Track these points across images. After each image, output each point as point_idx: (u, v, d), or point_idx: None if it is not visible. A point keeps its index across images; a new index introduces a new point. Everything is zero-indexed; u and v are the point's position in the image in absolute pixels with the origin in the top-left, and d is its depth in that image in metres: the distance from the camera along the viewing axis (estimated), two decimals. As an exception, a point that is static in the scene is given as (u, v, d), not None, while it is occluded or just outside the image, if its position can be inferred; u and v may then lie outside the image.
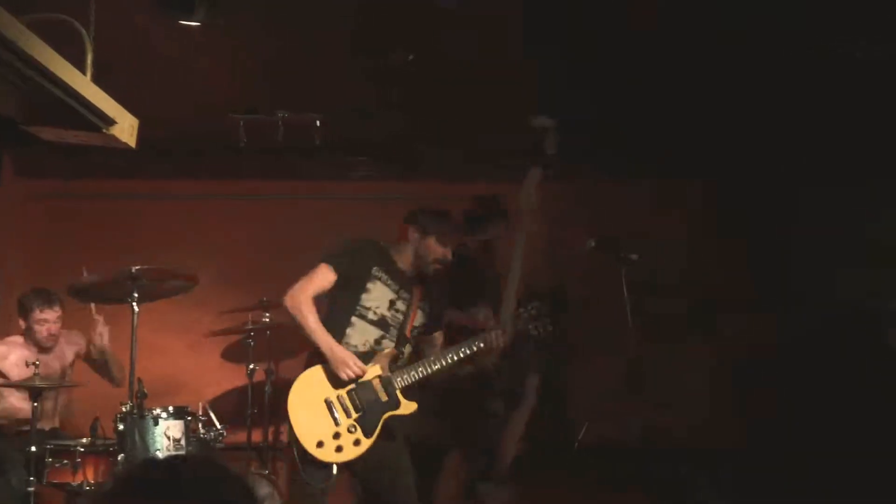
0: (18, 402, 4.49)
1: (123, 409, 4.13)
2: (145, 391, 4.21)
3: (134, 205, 6.13)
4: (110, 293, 4.44)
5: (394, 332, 3.49)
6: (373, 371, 3.43)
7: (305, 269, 4.74)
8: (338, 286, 3.43)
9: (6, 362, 4.55)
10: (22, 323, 4.64)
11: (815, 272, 5.43)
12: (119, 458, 4.05)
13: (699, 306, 5.88)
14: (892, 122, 4.70)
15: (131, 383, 4.19)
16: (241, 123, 4.97)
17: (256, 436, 5.27)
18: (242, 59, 4.25)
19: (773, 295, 5.60)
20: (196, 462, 1.32)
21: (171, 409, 4.16)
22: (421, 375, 3.47)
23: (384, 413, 3.39)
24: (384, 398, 3.40)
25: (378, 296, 3.46)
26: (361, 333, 3.44)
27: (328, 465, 3.31)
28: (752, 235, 5.78)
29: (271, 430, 5.57)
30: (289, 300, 3.39)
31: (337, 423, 3.33)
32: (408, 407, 3.44)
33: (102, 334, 4.68)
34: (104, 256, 5.18)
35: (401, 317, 3.51)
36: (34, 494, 3.83)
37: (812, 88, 4.53)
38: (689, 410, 5.35)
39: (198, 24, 3.53)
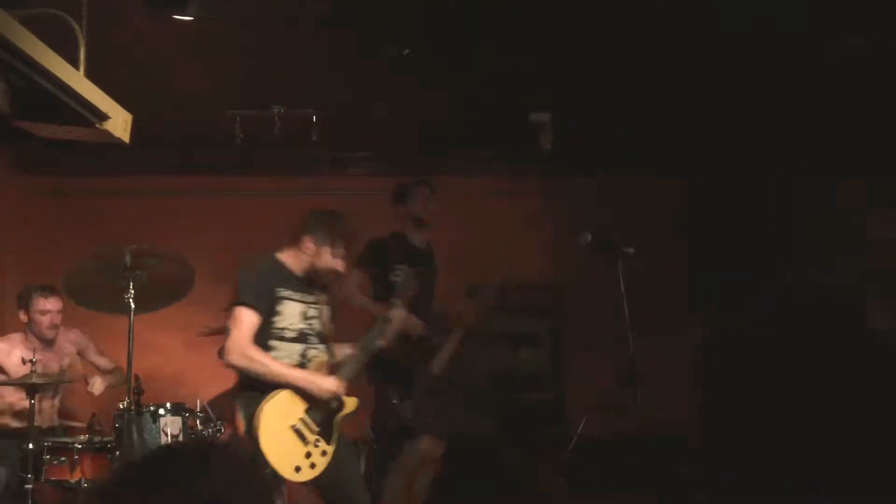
0: (16, 400, 4.48)
1: (121, 406, 4.13)
2: (143, 387, 4.21)
3: (130, 201, 6.11)
4: (106, 289, 4.41)
5: (314, 339, 3.56)
6: None
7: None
8: None
9: (10, 359, 4.54)
10: (23, 316, 4.64)
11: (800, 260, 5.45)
12: (116, 454, 4.05)
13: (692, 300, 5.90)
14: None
15: (129, 380, 4.18)
16: (238, 119, 4.96)
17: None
18: (237, 53, 4.24)
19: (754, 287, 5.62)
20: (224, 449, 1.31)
21: (168, 405, 4.17)
22: (354, 372, 3.59)
23: (336, 416, 3.50)
24: (334, 404, 3.50)
25: (290, 313, 3.48)
26: (285, 353, 3.46)
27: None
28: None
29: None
30: (234, 357, 3.33)
31: (306, 444, 3.41)
32: (352, 403, 3.58)
33: (95, 384, 4.71)
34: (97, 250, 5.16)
35: (316, 323, 3.57)
36: (32, 492, 3.82)
37: (792, 82, 4.53)
38: (684, 405, 5.35)
39: (191, 18, 3.52)
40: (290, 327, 3.49)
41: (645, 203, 6.10)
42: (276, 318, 3.45)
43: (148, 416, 4.11)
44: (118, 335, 4.59)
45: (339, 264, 3.56)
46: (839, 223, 5.18)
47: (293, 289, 3.51)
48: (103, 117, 2.43)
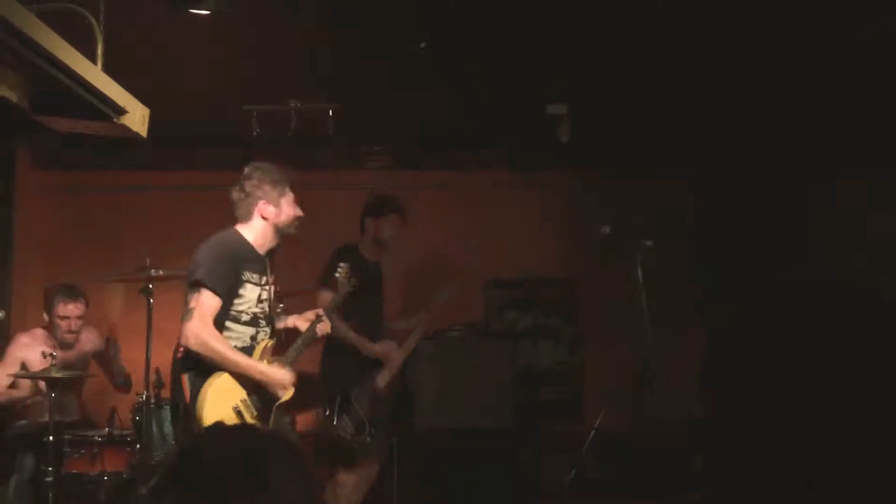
0: (38, 394, 4.51)
1: (140, 400, 4.16)
2: (162, 381, 4.24)
3: (147, 196, 6.14)
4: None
5: (264, 322, 3.53)
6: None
7: (321, 258, 4.76)
8: None
9: (31, 353, 4.58)
10: (45, 316, 4.68)
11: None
12: (136, 447, 4.08)
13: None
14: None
15: (147, 374, 4.21)
16: (255, 114, 4.96)
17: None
18: (254, 48, 4.24)
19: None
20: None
21: (187, 398, 4.18)
22: (296, 358, 3.60)
23: (274, 403, 3.48)
24: (282, 394, 3.49)
25: (248, 297, 3.45)
26: (237, 335, 3.43)
27: None
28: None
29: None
30: (194, 341, 3.27)
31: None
32: (289, 393, 3.55)
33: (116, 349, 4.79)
34: (118, 247, 5.21)
35: (267, 307, 3.54)
36: (53, 484, 3.85)
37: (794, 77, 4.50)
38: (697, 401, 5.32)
39: (208, 12, 3.52)
40: (247, 311, 3.44)
41: (657, 198, 6.07)
42: (236, 301, 3.39)
43: (167, 409, 4.14)
44: (138, 329, 4.62)
45: (298, 210, 3.54)
46: (845, 221, 5.15)
47: (254, 270, 3.46)
48: (121, 112, 2.44)
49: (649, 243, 3.71)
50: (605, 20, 3.89)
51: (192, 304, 3.31)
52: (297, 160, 5.95)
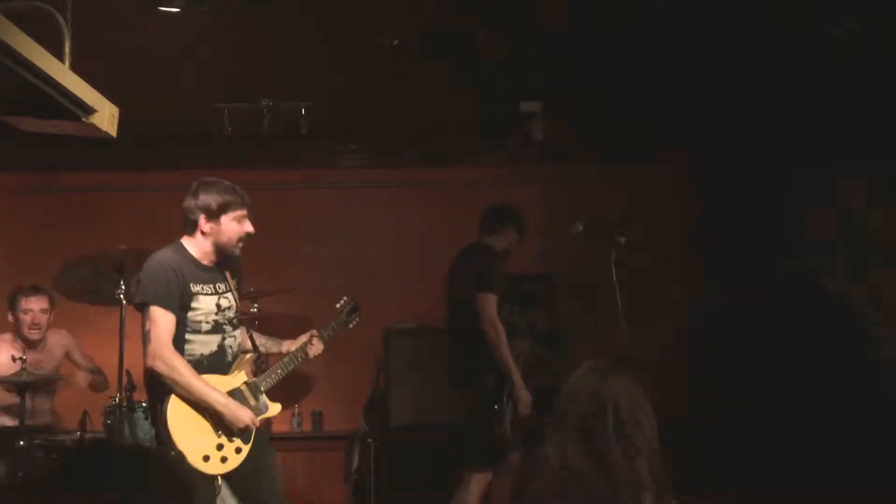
0: (9, 399, 4.45)
1: (112, 402, 4.11)
2: (134, 383, 4.19)
3: (118, 197, 6.08)
4: (98, 287, 4.41)
5: (229, 327, 3.48)
6: (239, 378, 3.46)
7: (294, 257, 4.73)
8: None
9: None
10: (10, 317, 4.64)
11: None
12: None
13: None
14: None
15: (119, 376, 4.16)
16: (226, 112, 4.92)
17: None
18: (226, 45, 4.20)
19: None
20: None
21: (160, 401, 4.13)
22: (280, 377, 3.57)
23: (256, 418, 3.41)
24: (253, 403, 3.44)
25: (204, 307, 3.40)
26: (202, 344, 3.39)
27: (213, 478, 3.32)
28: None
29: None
30: (158, 363, 3.22)
31: (219, 436, 3.32)
32: (274, 409, 3.54)
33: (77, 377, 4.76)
34: (89, 250, 5.13)
35: (229, 312, 3.48)
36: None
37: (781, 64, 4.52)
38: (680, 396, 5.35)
39: (178, 9, 3.48)
40: (206, 320, 3.40)
41: (639, 191, 6.09)
42: (190, 313, 3.35)
43: (140, 412, 4.09)
44: (109, 331, 4.57)
45: (246, 226, 3.41)
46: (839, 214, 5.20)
47: (204, 281, 3.41)
48: (90, 111, 2.40)
49: (623, 240, 3.72)
50: (590, 16, 3.89)
51: (147, 327, 3.27)
52: (269, 159, 5.96)
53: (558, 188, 6.17)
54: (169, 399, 3.25)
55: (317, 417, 6.01)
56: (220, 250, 3.43)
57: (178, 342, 3.33)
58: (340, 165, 6.36)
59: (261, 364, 3.55)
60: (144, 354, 3.27)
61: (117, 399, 4.09)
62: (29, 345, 4.60)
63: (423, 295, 5.46)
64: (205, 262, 3.43)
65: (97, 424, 4.37)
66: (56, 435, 4.30)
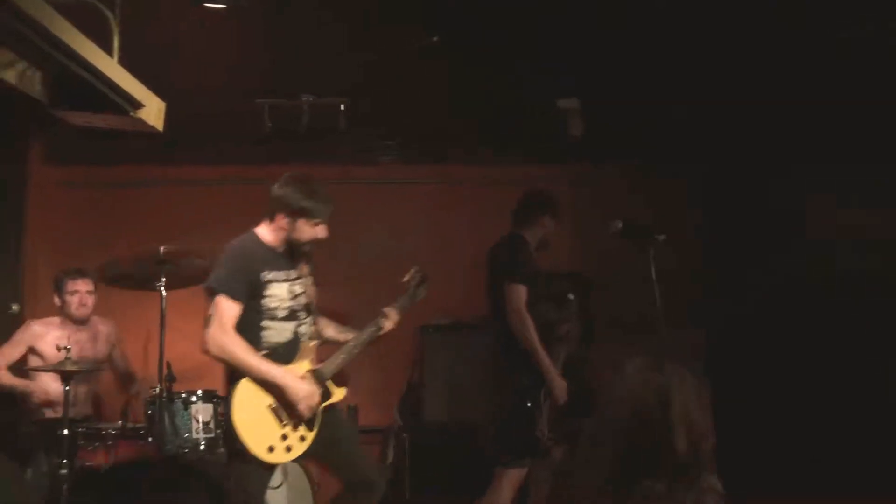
0: (53, 385, 4.54)
1: (153, 393, 4.17)
2: (174, 375, 4.25)
3: (159, 191, 6.16)
4: (139, 279, 4.48)
5: (303, 314, 3.52)
6: (302, 366, 3.48)
7: (331, 252, 4.74)
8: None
9: (42, 341, 4.62)
10: (57, 300, 4.74)
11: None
12: (149, 440, 4.10)
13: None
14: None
15: (160, 368, 4.23)
16: (266, 108, 4.96)
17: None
18: (268, 42, 4.24)
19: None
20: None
21: (199, 392, 4.20)
22: (344, 362, 3.61)
23: (321, 404, 3.46)
24: (319, 390, 3.47)
25: (278, 294, 3.44)
26: (278, 332, 3.44)
27: (274, 467, 3.39)
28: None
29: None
30: (214, 348, 3.29)
31: (283, 425, 3.36)
32: (339, 394, 3.56)
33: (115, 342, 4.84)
34: (131, 243, 5.23)
35: (304, 298, 3.53)
36: (68, 476, 3.87)
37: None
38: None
39: (223, 6, 3.52)
40: (281, 307, 3.44)
41: (669, 192, 6.05)
42: (265, 301, 3.40)
43: (179, 403, 4.15)
44: (150, 323, 4.64)
45: (319, 231, 3.48)
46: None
47: (277, 268, 3.46)
48: (138, 105, 2.45)
49: (662, 237, 3.68)
50: (618, 15, 3.88)
51: (210, 312, 3.35)
52: (308, 155, 6.01)
53: (592, 187, 6.15)
54: (233, 396, 3.31)
55: (352, 412, 6.03)
56: (290, 244, 3.50)
57: (255, 330, 3.38)
58: (377, 162, 6.39)
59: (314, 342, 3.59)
60: (203, 339, 3.33)
61: (158, 390, 4.14)
62: (76, 322, 4.71)
63: (458, 291, 5.46)
64: (278, 249, 3.50)
65: (138, 415, 4.44)
66: (98, 424, 4.36)
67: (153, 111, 2.51)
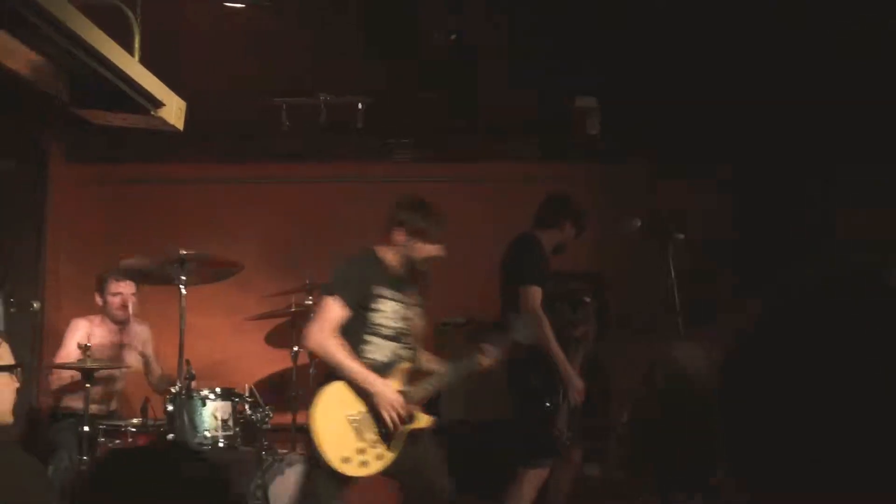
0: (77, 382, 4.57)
1: (172, 391, 4.19)
2: (193, 373, 4.27)
3: (179, 189, 6.19)
4: (158, 276, 4.51)
5: (407, 339, 3.53)
6: (394, 385, 3.46)
7: (349, 250, 4.75)
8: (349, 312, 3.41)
9: (91, 338, 4.64)
10: (99, 300, 4.83)
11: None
12: (168, 437, 4.12)
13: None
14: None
15: (180, 365, 4.25)
16: (284, 106, 4.99)
17: (301, 417, 5.29)
18: (286, 41, 4.26)
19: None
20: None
21: (218, 390, 4.21)
22: (433, 390, 3.56)
23: (405, 426, 3.41)
24: (407, 406, 3.42)
25: (388, 312, 3.46)
26: (379, 349, 3.45)
27: (348, 480, 3.36)
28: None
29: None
30: (312, 343, 3.38)
31: (362, 440, 3.35)
32: (425, 420, 3.50)
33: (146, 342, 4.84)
34: (151, 240, 5.27)
35: (410, 324, 3.55)
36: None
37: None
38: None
39: (243, 5, 3.54)
40: (387, 324, 3.46)
41: (689, 190, 6.01)
42: (373, 315, 3.43)
43: (198, 400, 4.17)
44: (169, 321, 4.66)
45: (436, 250, 3.51)
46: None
47: (392, 287, 3.48)
48: (158, 104, 2.46)
49: (681, 236, 3.67)
50: (641, 13, 3.86)
51: (319, 309, 3.45)
52: (326, 153, 6.03)
53: (610, 186, 6.12)
54: (318, 400, 3.33)
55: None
56: (408, 263, 3.52)
57: (357, 341, 3.40)
58: (393, 160, 6.39)
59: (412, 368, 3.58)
60: (304, 334, 3.45)
61: (178, 387, 4.16)
62: (118, 323, 4.79)
63: (474, 289, 5.45)
64: (394, 269, 3.53)
65: (158, 412, 4.47)
66: (119, 421, 4.40)
67: (173, 110, 2.52)
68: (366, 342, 3.42)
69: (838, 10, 3.76)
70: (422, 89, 4.99)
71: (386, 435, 3.38)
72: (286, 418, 5.11)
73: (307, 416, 3.36)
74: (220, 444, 4.11)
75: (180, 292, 4.35)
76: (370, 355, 3.43)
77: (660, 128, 5.64)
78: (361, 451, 3.34)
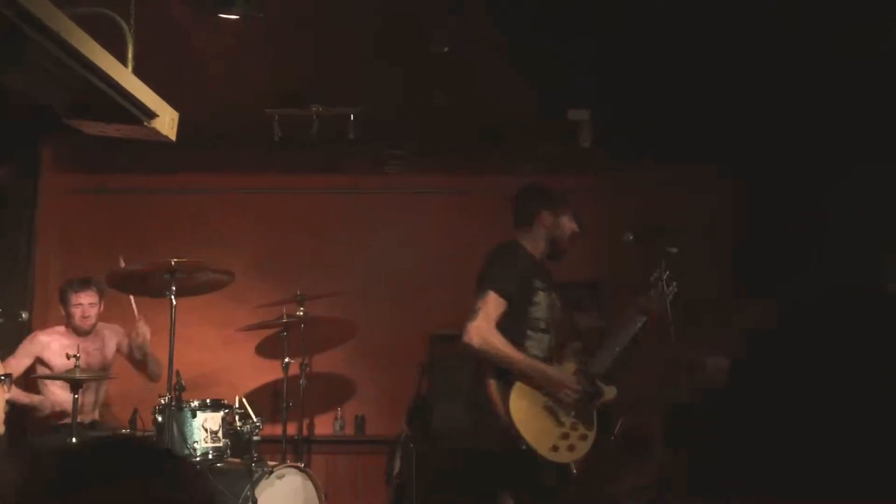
0: (61, 394, 4.55)
1: (162, 402, 4.17)
2: (183, 384, 4.25)
3: (171, 199, 6.18)
4: (149, 285, 4.49)
5: (554, 331, 3.50)
6: (569, 368, 3.45)
7: (340, 261, 4.75)
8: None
9: (48, 351, 4.65)
10: (62, 310, 4.80)
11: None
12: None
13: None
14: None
15: (169, 376, 4.22)
16: (276, 118, 4.98)
17: (291, 429, 5.29)
18: (279, 53, 4.26)
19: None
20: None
21: (208, 401, 4.19)
22: (611, 358, 3.49)
23: (593, 401, 3.42)
24: (590, 390, 3.43)
25: (543, 305, 3.44)
26: (539, 343, 3.42)
27: (565, 466, 3.34)
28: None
29: (306, 423, 5.61)
30: (475, 339, 3.24)
31: (562, 425, 3.34)
32: (610, 392, 3.49)
33: (144, 335, 4.78)
34: (142, 250, 5.24)
35: (559, 313, 3.52)
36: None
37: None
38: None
39: (236, 17, 3.54)
40: (543, 318, 3.43)
41: (684, 199, 6.02)
42: (532, 308, 3.39)
43: (188, 411, 4.14)
44: (159, 331, 4.64)
45: (575, 226, 3.55)
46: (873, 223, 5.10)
47: (542, 278, 3.46)
48: (151, 115, 2.45)
49: (674, 250, 3.67)
50: (632, 22, 3.88)
51: (478, 305, 3.30)
52: (317, 164, 6.02)
53: (605, 196, 6.12)
54: (510, 397, 3.27)
55: (360, 421, 6.03)
56: (554, 246, 3.52)
57: (520, 338, 3.36)
58: (386, 171, 6.39)
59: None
60: (464, 331, 3.27)
61: (167, 398, 4.14)
62: (81, 334, 4.74)
63: (467, 301, 5.43)
64: (539, 259, 3.51)
65: (147, 423, 4.44)
66: (105, 431, 4.37)
67: (166, 121, 2.51)
68: (527, 337, 3.38)
69: (838, 10, 3.76)
70: (415, 101, 4.99)
71: (580, 415, 3.37)
72: (276, 429, 5.09)
73: (506, 417, 3.25)
74: (210, 456, 4.09)
75: (171, 302, 4.33)
76: (531, 351, 3.37)
77: (657, 137, 5.66)
78: (565, 437, 3.33)
